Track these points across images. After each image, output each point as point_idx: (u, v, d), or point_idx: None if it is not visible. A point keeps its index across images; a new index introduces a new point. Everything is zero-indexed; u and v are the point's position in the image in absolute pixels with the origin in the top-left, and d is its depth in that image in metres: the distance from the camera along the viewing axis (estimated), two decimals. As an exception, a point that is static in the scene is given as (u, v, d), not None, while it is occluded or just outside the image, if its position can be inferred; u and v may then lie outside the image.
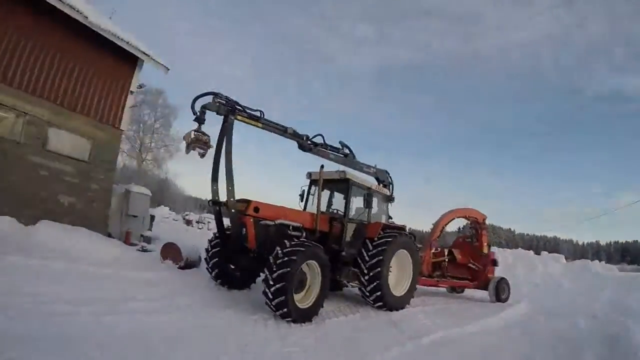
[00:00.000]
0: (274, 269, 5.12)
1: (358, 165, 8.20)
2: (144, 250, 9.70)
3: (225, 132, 5.86)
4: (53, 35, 9.22)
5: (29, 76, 8.85)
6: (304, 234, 6.16)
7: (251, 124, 6.26)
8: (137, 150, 33.30)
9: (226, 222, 6.24)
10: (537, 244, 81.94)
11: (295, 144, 7.13)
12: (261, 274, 5.79)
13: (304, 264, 5.47)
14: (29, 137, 8.89)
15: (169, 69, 11.46)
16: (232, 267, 6.74)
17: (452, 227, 13.97)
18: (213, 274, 6.74)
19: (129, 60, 10.85)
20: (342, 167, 7.58)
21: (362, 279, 6.74)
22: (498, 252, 14.61)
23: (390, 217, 8.44)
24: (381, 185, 8.58)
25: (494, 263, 10.60)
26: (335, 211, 7.81)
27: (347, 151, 7.94)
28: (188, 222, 29.28)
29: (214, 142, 5.89)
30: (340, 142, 7.87)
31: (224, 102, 5.88)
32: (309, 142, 7.13)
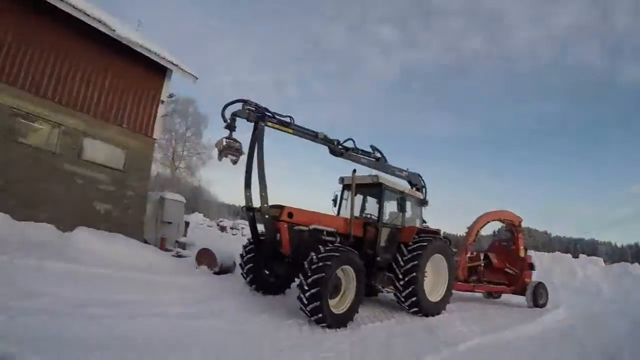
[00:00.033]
0: (309, 274, 5.08)
1: (390, 169, 8.05)
2: (179, 256, 9.85)
3: (256, 139, 5.87)
4: (84, 49, 9.63)
5: (62, 89, 9.29)
6: (338, 239, 6.09)
7: (282, 130, 6.25)
8: (170, 158, 34.32)
9: (260, 228, 6.23)
10: (575, 247, 78.55)
11: (326, 149, 7.09)
12: (296, 279, 5.78)
13: (339, 269, 5.39)
14: (65, 147, 9.33)
15: (197, 78, 11.77)
16: (267, 272, 6.76)
17: (487, 230, 13.57)
18: (248, 279, 6.77)
19: (159, 71, 11.22)
20: (374, 172, 7.48)
21: (397, 284, 6.61)
22: (535, 256, 14.04)
23: (424, 221, 8.26)
24: (414, 188, 8.41)
25: (531, 267, 10.17)
26: (368, 216, 7.72)
27: (378, 155, 7.81)
28: (222, 229, 29.27)
29: (245, 149, 5.93)
30: (372, 146, 7.76)
31: (254, 109, 5.89)
32: (340, 146, 7.06)
